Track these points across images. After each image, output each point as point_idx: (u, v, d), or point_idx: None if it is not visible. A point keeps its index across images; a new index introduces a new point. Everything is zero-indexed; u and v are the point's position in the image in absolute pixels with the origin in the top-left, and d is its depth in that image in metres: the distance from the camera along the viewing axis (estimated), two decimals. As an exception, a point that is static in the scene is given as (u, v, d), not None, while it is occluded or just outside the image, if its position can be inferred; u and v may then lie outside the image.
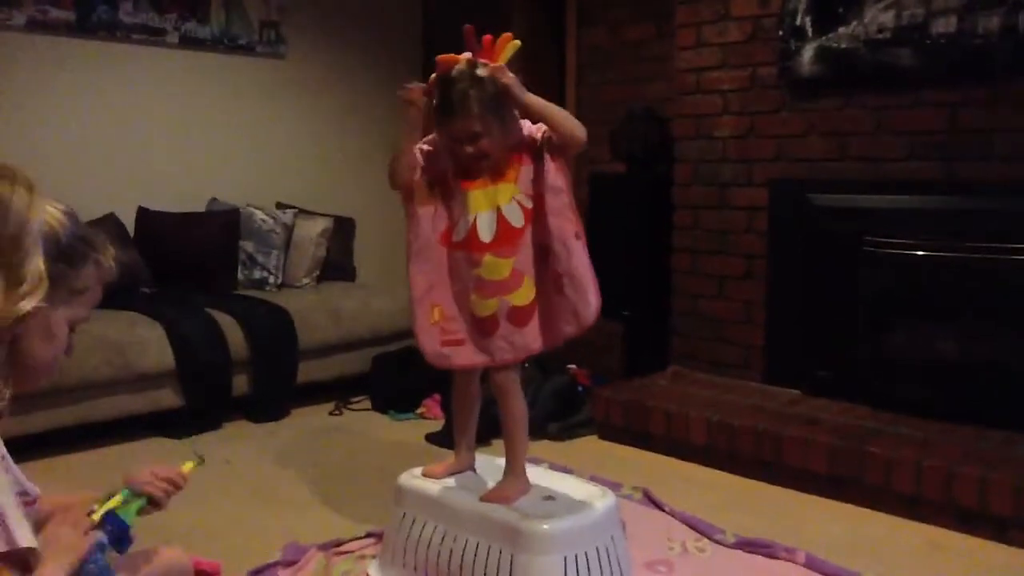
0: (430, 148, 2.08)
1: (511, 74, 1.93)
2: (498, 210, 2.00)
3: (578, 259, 1.98)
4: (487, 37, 1.95)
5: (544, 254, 2.01)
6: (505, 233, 2.00)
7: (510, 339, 2.02)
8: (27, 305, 1.19)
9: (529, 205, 2.01)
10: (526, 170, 2.00)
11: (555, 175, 1.99)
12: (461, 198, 2.03)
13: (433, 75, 1.98)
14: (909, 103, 3.05)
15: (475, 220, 2.01)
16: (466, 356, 2.07)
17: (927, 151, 3.02)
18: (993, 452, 2.64)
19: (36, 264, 1.20)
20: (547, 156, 2.00)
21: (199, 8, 4.26)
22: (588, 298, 1.98)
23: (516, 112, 1.99)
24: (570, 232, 1.98)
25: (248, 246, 4.12)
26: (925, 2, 2.90)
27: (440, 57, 1.98)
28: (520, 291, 2.01)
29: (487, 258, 2.00)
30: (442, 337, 2.07)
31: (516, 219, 2.00)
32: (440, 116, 1.97)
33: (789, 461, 2.87)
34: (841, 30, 3.11)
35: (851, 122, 3.19)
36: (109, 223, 3.76)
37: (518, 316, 2.01)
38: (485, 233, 2.00)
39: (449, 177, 2.06)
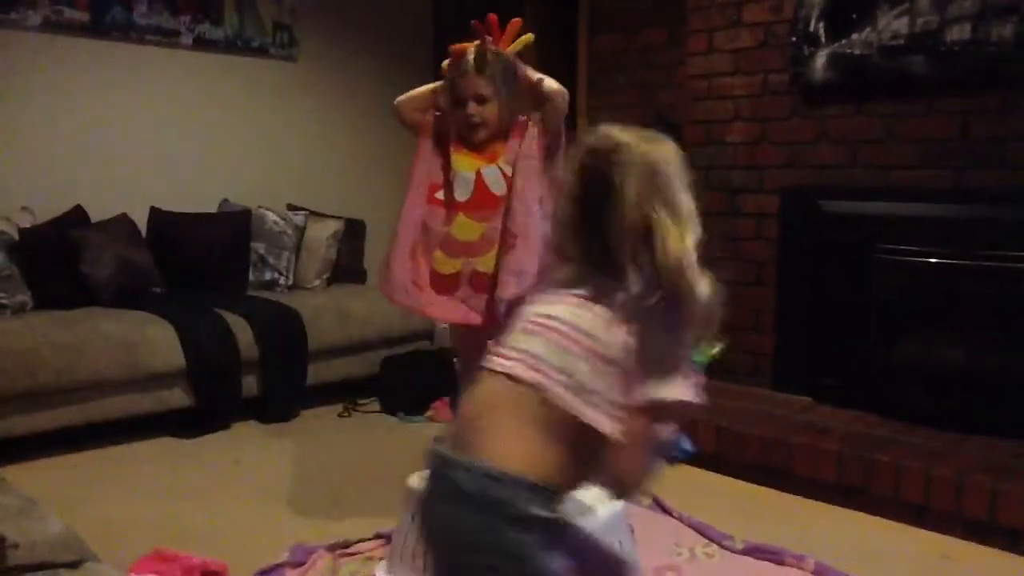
0: (439, 114, 2.16)
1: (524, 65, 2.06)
2: (478, 172, 2.02)
3: (534, 221, 1.97)
4: (493, 16, 2.00)
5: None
6: (481, 196, 2.02)
7: (468, 301, 2.03)
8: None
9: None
10: (513, 143, 2.04)
11: (529, 143, 2.02)
12: (450, 158, 2.09)
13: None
14: (921, 111, 3.04)
15: (455, 178, 2.04)
16: (424, 303, 2.10)
17: (939, 159, 3.01)
18: (1004, 462, 2.63)
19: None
20: (532, 129, 2.03)
21: (213, 10, 4.28)
22: (533, 259, 1.94)
23: (520, 100, 2.05)
24: (533, 194, 1.98)
25: (259, 247, 4.13)
26: (939, 9, 2.90)
27: (453, 47, 2.08)
28: (487, 257, 2.02)
29: (459, 217, 2.04)
30: (411, 276, 2.11)
31: (496, 185, 2.01)
32: (454, 76, 2.03)
33: (798, 469, 2.87)
34: (854, 36, 3.10)
35: (863, 129, 3.18)
36: (121, 223, 3.78)
37: (480, 281, 2.02)
38: (461, 192, 2.03)
39: (447, 140, 2.13)
